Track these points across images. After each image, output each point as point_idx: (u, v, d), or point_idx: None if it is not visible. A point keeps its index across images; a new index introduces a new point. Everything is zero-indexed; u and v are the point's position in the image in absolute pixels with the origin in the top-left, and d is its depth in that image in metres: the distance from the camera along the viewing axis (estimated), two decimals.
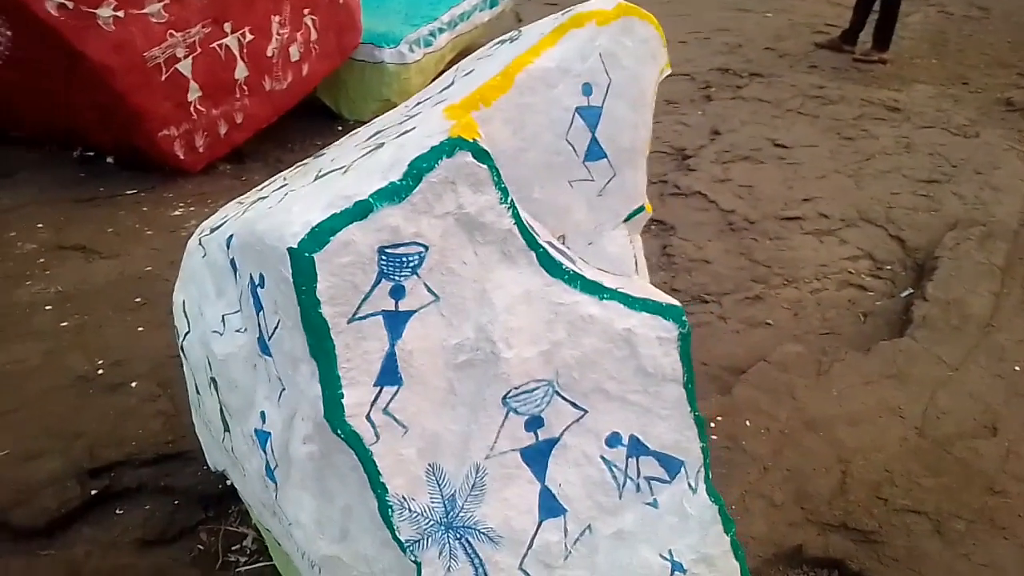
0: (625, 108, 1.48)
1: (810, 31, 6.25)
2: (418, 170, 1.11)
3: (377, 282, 1.13)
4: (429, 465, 1.24)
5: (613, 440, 1.35)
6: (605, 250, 1.53)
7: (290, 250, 1.07)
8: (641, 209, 1.58)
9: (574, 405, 1.31)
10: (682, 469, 1.40)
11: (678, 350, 1.34)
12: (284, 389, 1.24)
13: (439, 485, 1.25)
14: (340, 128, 4.41)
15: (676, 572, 1.38)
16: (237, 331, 1.36)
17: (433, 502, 1.25)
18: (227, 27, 3.22)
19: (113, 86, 2.90)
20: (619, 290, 1.32)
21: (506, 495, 1.29)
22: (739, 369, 2.42)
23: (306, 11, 3.59)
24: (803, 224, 3.37)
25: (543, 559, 1.33)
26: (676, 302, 1.36)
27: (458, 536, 1.27)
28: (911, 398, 2.25)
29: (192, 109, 3.22)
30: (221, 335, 1.39)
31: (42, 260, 2.74)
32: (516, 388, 1.25)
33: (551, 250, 1.28)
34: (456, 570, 1.27)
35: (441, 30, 4.48)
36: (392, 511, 1.22)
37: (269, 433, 1.31)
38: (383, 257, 1.12)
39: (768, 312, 2.78)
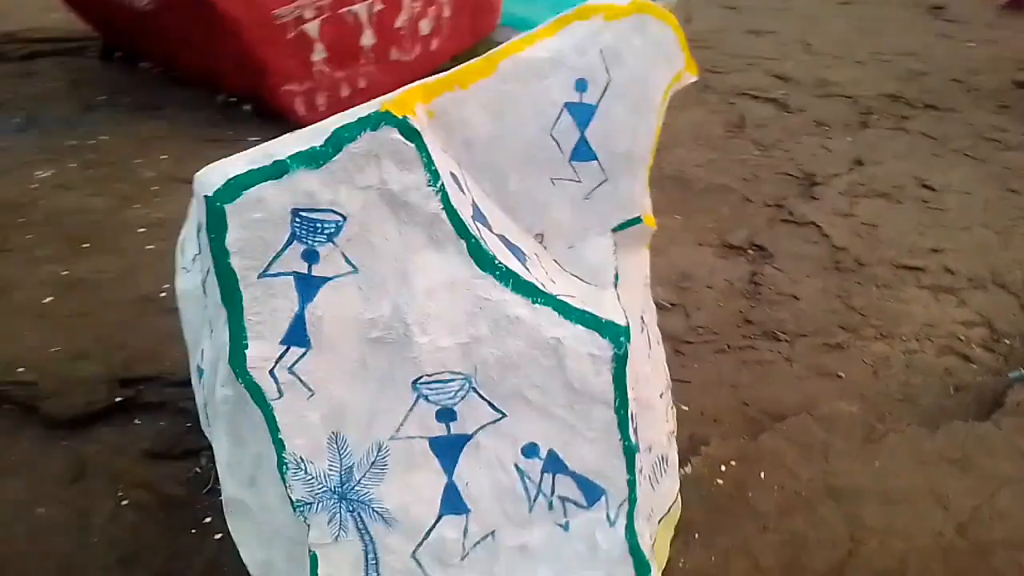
0: (624, 110, 1.39)
1: (1014, 67, 5.56)
2: (339, 139, 1.11)
3: (289, 242, 1.14)
4: (332, 432, 1.25)
5: (530, 451, 1.29)
6: (585, 256, 1.45)
7: (206, 198, 1.10)
8: (637, 220, 1.48)
9: (492, 406, 1.26)
10: (603, 498, 1.31)
11: (611, 371, 1.25)
12: (213, 331, 1.29)
13: (339, 454, 1.25)
14: None
15: None
16: (200, 270, 1.43)
17: (331, 469, 1.25)
18: None
19: (241, 38, 3.13)
20: (559, 296, 1.25)
21: (409, 480, 1.27)
22: (781, 416, 2.22)
23: None
24: (921, 276, 3.03)
25: (438, 554, 1.30)
26: (623, 321, 1.27)
27: (351, 509, 1.27)
28: (966, 490, 1.96)
29: (316, 69, 3.40)
30: (188, 272, 1.46)
31: (155, 188, 3.01)
32: (428, 375, 1.22)
33: (491, 242, 1.23)
34: (345, 541, 1.28)
35: None
36: (287, 469, 1.24)
37: (204, 371, 1.37)
38: (297, 219, 1.13)
39: (843, 364, 2.52)
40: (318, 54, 3.38)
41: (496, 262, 1.21)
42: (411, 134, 1.13)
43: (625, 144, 1.41)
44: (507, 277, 1.22)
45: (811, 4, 7.17)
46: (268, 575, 1.37)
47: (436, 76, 1.31)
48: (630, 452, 1.30)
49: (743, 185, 3.68)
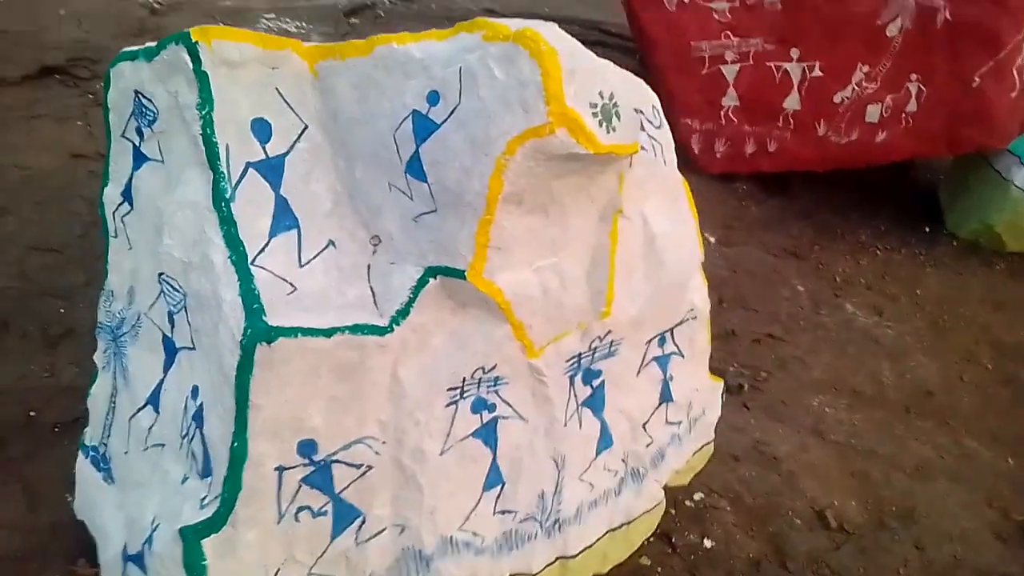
0: (462, 143, 1.22)
1: None
2: (163, 43, 1.30)
3: (131, 116, 1.40)
4: (131, 286, 1.50)
5: (194, 392, 1.33)
6: (391, 278, 1.33)
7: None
8: (460, 275, 1.28)
9: (191, 333, 1.33)
10: (209, 479, 1.27)
11: (237, 363, 1.17)
12: None
13: (128, 305, 1.50)
14: (927, 230, 3.64)
15: (145, 545, 1.31)
16: None
17: (120, 313, 1.52)
18: (793, 52, 3.07)
19: (655, 57, 3.21)
20: (254, 265, 1.22)
21: (144, 357, 1.46)
22: None
23: (914, 76, 3.05)
24: None
25: (136, 433, 1.46)
26: (282, 324, 1.17)
27: (116, 352, 1.52)
28: None
29: (722, 113, 3.27)
30: None
31: None
32: (168, 276, 1.36)
33: (247, 191, 1.26)
34: (106, 373, 1.55)
35: None
36: (102, 294, 1.55)
37: None
38: (137, 99, 1.38)
39: None
40: (729, 99, 3.25)
41: (223, 204, 1.25)
42: (195, 57, 1.24)
43: (455, 181, 1.23)
44: (226, 223, 1.24)
45: None
46: None
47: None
48: (236, 455, 1.20)
49: None
